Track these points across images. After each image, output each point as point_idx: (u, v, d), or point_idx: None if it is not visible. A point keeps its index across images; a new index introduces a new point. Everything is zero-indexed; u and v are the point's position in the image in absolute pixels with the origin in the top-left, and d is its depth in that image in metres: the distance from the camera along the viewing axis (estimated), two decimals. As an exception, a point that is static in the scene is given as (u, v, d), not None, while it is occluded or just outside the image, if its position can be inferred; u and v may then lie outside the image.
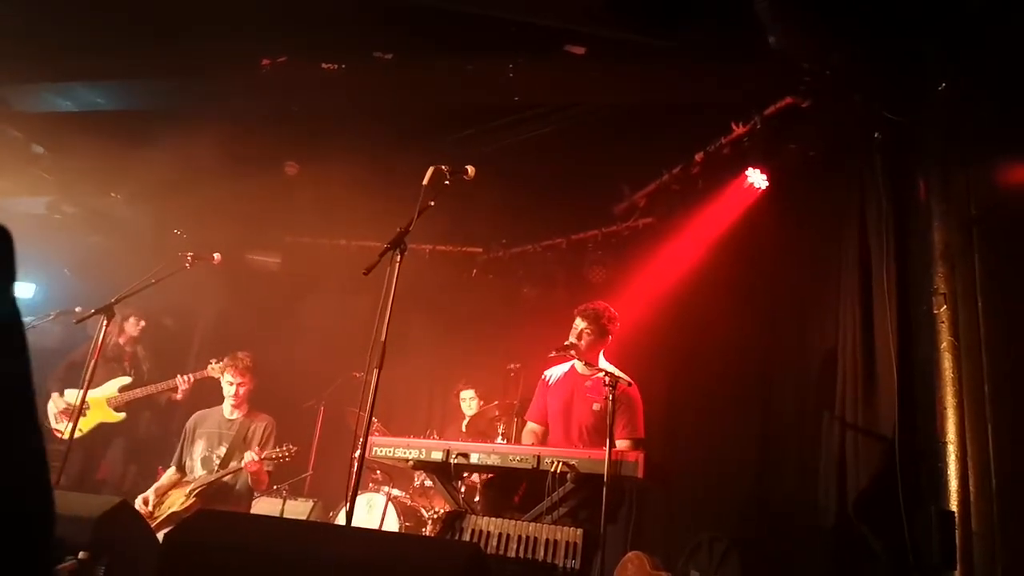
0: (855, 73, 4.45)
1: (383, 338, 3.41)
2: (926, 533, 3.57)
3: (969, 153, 4.02)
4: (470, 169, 3.76)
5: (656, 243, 6.27)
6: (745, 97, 5.24)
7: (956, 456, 3.54)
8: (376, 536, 3.33)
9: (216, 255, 5.26)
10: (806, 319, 5.17)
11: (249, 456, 4.99)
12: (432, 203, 3.66)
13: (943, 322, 3.74)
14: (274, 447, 5.15)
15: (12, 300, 0.83)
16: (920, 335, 3.92)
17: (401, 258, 3.56)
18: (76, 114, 5.97)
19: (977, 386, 3.60)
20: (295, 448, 5.09)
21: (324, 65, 5.14)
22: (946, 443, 3.56)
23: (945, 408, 3.62)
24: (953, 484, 3.53)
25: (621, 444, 4.08)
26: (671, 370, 5.85)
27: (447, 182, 3.70)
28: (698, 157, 5.80)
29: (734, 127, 5.44)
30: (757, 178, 5.48)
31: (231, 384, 5.39)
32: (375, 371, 3.36)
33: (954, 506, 3.50)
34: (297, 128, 6.16)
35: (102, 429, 6.02)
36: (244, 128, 6.00)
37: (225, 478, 5.15)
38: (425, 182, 3.66)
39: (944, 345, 3.71)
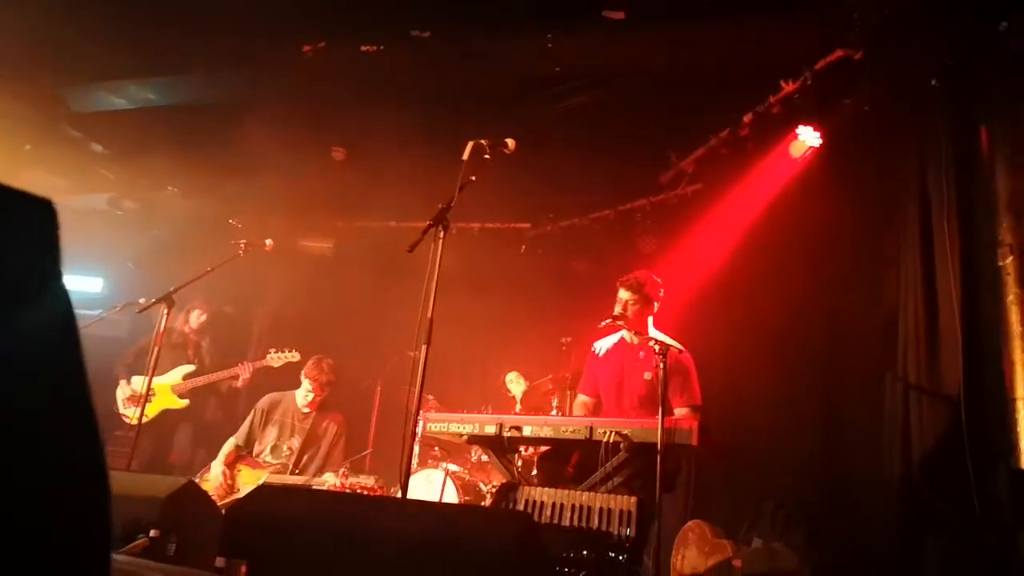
0: (908, 18, 4.25)
1: (430, 314, 3.44)
2: (997, 493, 3.44)
3: (1035, 96, 3.82)
4: (510, 142, 3.75)
5: (707, 209, 6.14)
6: (794, 53, 5.06)
7: (1027, 413, 3.40)
8: (430, 507, 3.38)
9: (268, 241, 5.39)
10: (866, 278, 5.01)
11: (331, 480, 5.12)
12: (473, 178, 3.66)
13: (1009, 274, 3.58)
14: (343, 459, 5.39)
15: (58, 281, 0.81)
16: (985, 288, 3.76)
17: (445, 234, 3.57)
18: (131, 111, 6.16)
19: (1047, 339, 3.45)
20: (381, 489, 5.18)
21: (363, 47, 5.16)
22: (1015, 399, 3.41)
23: (1013, 363, 3.48)
24: (1025, 442, 3.39)
25: (679, 412, 4.06)
26: (728, 336, 5.74)
27: (487, 156, 3.70)
28: (746, 119, 5.64)
29: (783, 85, 5.26)
30: (810, 136, 5.30)
31: (309, 391, 5.50)
32: (423, 347, 3.40)
33: (1026, 464, 3.36)
34: (344, 112, 6.21)
35: (167, 415, 6.23)
36: (292, 116, 6.08)
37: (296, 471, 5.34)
38: (465, 157, 3.66)
39: (1011, 298, 3.55)
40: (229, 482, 5.23)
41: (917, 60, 4.40)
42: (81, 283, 7.85)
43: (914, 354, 4.22)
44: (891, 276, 4.71)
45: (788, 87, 5.25)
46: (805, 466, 5.05)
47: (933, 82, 4.25)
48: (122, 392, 6.23)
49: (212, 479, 5.28)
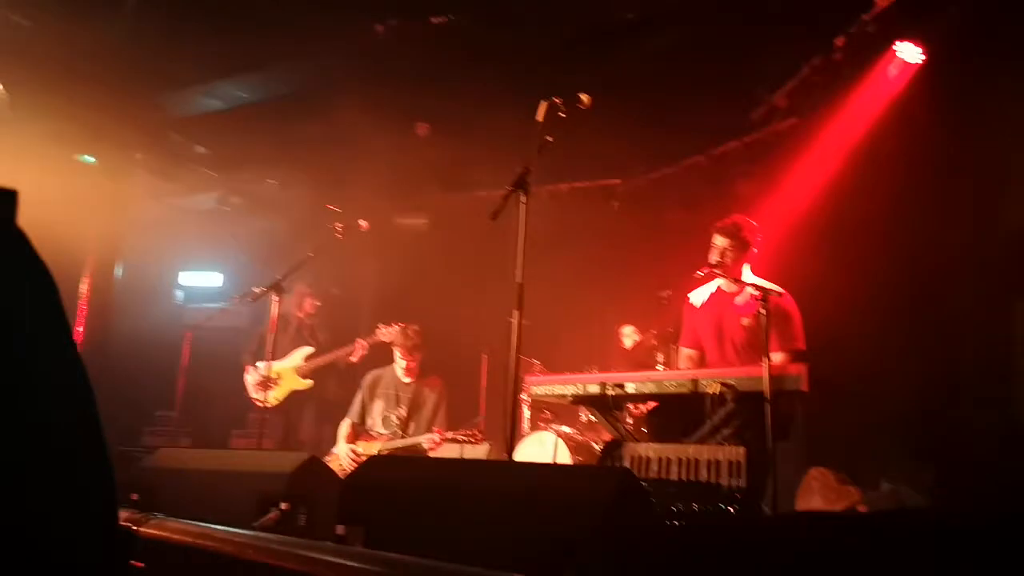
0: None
1: (519, 280, 3.46)
2: None
3: None
4: (584, 98, 3.65)
5: (804, 144, 5.85)
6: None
7: None
8: (532, 468, 3.46)
9: (363, 222, 5.54)
10: (986, 198, 4.65)
11: (427, 439, 5.38)
12: (550, 139, 3.62)
13: None
14: (448, 420, 5.62)
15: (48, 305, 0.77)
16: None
17: (527, 198, 3.56)
18: (225, 111, 6.45)
19: None
20: (481, 436, 5.32)
21: (433, 19, 5.18)
22: None
23: None
24: None
25: (776, 357, 3.87)
26: (838, 274, 5.47)
27: (562, 115, 3.64)
28: (839, 42, 5.30)
29: (876, 1, 4.92)
30: (910, 52, 4.95)
31: (401, 359, 5.75)
32: (515, 312, 3.43)
33: None
34: (425, 86, 6.26)
35: (295, 396, 6.61)
36: (375, 97, 6.19)
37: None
38: (539, 118, 3.62)
39: None
40: (356, 460, 5.48)
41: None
42: (204, 279, 8.39)
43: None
44: (1015, 195, 4.35)
45: (882, 1, 4.89)
46: (928, 404, 4.79)
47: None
48: (251, 378, 6.64)
49: (341, 458, 5.56)
